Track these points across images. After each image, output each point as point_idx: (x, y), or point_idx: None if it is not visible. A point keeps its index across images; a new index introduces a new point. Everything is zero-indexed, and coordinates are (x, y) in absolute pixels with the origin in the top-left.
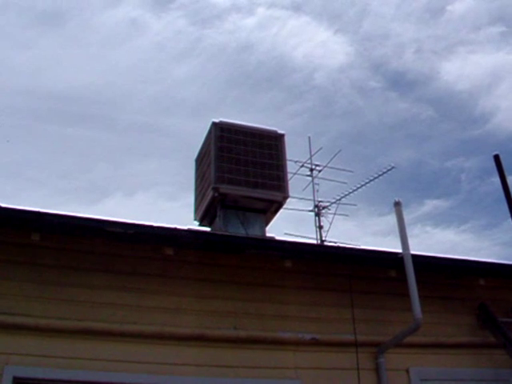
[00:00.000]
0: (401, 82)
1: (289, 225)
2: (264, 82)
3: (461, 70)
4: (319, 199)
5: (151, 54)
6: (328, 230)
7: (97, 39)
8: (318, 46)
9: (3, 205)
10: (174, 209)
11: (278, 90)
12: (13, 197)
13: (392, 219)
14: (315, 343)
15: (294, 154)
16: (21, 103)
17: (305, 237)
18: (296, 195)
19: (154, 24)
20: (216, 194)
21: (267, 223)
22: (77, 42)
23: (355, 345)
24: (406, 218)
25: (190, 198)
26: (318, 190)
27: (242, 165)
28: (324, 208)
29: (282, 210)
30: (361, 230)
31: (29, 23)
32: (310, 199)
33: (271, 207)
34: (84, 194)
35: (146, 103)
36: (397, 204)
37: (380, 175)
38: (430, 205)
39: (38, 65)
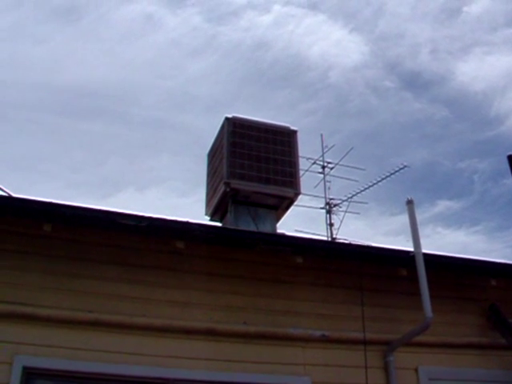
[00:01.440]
0: (416, 83)
1: (300, 222)
2: (279, 80)
3: (476, 71)
4: (330, 197)
5: (166, 50)
6: (339, 228)
7: (112, 34)
8: (333, 44)
9: (15, 195)
10: (186, 205)
11: (292, 87)
12: (26, 190)
13: (403, 219)
14: (325, 340)
15: (308, 151)
16: (35, 97)
17: (315, 234)
18: (308, 192)
19: (170, 20)
20: (227, 189)
21: (278, 219)
22: (92, 37)
23: (364, 343)
24: (418, 218)
25: (201, 194)
26: (329, 188)
27: (254, 160)
28: (335, 206)
29: (293, 207)
30: (372, 230)
31: (44, 18)
32: (321, 197)
33: (282, 203)
34: (96, 188)
35: (161, 99)
36: (409, 202)
37: (392, 174)
38: (442, 205)
39: (53, 59)
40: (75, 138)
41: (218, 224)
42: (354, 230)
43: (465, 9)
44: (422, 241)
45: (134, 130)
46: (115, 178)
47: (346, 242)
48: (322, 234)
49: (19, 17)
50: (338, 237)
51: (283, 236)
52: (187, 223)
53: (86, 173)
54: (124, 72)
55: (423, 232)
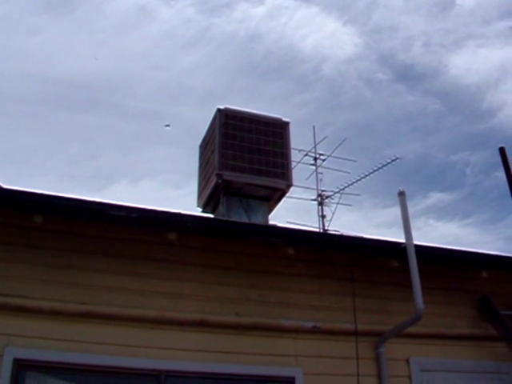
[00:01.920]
0: (409, 75)
1: (292, 214)
2: (272, 72)
3: (469, 63)
4: (322, 188)
5: (160, 42)
6: (331, 220)
7: (106, 26)
8: (326, 36)
9: (5, 186)
10: (180, 197)
11: (286, 80)
12: (21, 182)
13: (396, 211)
14: (316, 331)
15: (301, 143)
16: (29, 89)
17: (307, 226)
18: (300, 184)
19: (164, 12)
20: (219, 181)
21: (270, 211)
22: (86, 29)
23: (355, 334)
24: (410, 210)
25: (195, 186)
26: (321, 180)
27: (246, 152)
28: (327, 197)
29: (285, 199)
30: (365, 222)
31: (38, 9)
32: (313, 188)
33: (274, 195)
34: (90, 181)
35: (154, 91)
36: (401, 194)
37: (384, 165)
38: (435, 198)
39: (47, 51)
40: (70, 131)
41: (210, 215)
42: (347, 222)
43: (458, 2)
44: (414, 233)
45: (128, 122)
46: (109, 170)
47: (337, 233)
48: (314, 226)
49: (12, 8)
50: (330, 228)
51: (275, 227)
52: (179, 214)
53: (81, 165)
54: (118, 64)
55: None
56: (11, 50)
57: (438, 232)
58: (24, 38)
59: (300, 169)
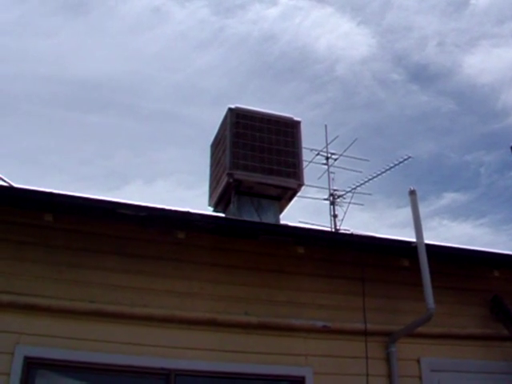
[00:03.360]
0: (423, 75)
1: (304, 213)
2: (286, 73)
3: (483, 63)
4: (334, 188)
5: (174, 43)
6: (342, 219)
7: (120, 27)
8: (340, 37)
9: (16, 185)
10: (193, 197)
11: (299, 80)
12: (34, 182)
13: (410, 211)
14: (326, 331)
15: (315, 143)
16: (43, 90)
17: (319, 225)
18: (312, 184)
19: (178, 13)
20: (231, 180)
21: (281, 210)
22: (100, 30)
23: (365, 333)
24: (424, 210)
25: (208, 186)
26: (333, 179)
27: (257, 151)
28: (339, 197)
29: (296, 198)
30: (378, 222)
31: (53, 11)
32: (325, 188)
33: (286, 194)
34: (104, 181)
35: (168, 92)
36: (412, 193)
37: (396, 165)
38: (449, 198)
39: (61, 52)
40: (83, 131)
41: (221, 215)
42: (360, 222)
43: (472, 1)
44: (428, 233)
45: (141, 123)
46: (123, 170)
47: (347, 232)
48: (326, 226)
49: (27, 10)
50: (342, 228)
51: (284, 226)
52: (188, 213)
53: (94, 166)
54: (132, 65)
55: (429, 224)
56: (25, 51)
57: (452, 232)
58: (38, 40)
59: (312, 168)
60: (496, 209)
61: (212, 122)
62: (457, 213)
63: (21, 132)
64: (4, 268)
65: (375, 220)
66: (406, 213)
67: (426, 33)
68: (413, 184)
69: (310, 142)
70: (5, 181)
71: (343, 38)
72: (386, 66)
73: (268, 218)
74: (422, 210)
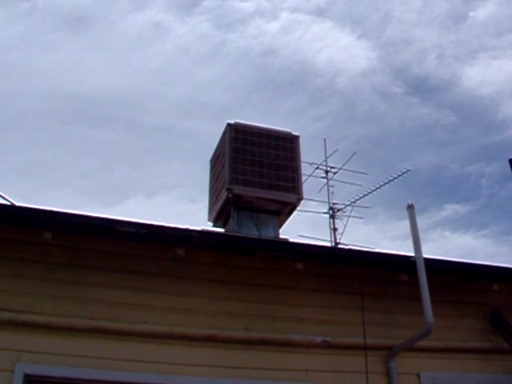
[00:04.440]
0: (423, 88)
1: (304, 227)
2: (287, 86)
3: (483, 75)
4: (334, 201)
5: (175, 58)
6: (342, 233)
7: (121, 43)
8: (340, 50)
9: (17, 203)
10: (194, 211)
11: (300, 94)
12: (36, 197)
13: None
14: (326, 346)
15: (315, 157)
16: (45, 105)
17: (319, 239)
18: (311, 197)
19: (178, 28)
20: (230, 195)
21: (281, 225)
22: (101, 46)
23: (365, 348)
24: (425, 222)
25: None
26: (333, 193)
27: (256, 166)
28: (339, 210)
29: (296, 212)
30: (380, 234)
31: (54, 27)
32: (325, 202)
33: (285, 209)
34: (105, 195)
35: (169, 106)
36: (410, 207)
37: (395, 178)
38: (450, 209)
39: (63, 68)
40: (84, 146)
41: (221, 230)
42: (361, 235)
43: (471, 14)
44: (430, 245)
45: (142, 138)
46: (124, 184)
47: (346, 247)
48: (326, 239)
49: (29, 26)
50: (342, 241)
51: (283, 242)
52: (187, 230)
53: (95, 180)
54: (133, 80)
55: (431, 236)
56: (27, 67)
57: (453, 244)
58: (40, 55)
59: (312, 182)
60: (497, 220)
61: (213, 135)
62: (458, 224)
63: (23, 146)
64: (3, 285)
65: (377, 233)
66: (408, 225)
67: (426, 45)
68: (414, 196)
69: (310, 155)
70: (5, 198)
71: (343, 52)
72: (386, 78)
73: (268, 233)
74: (423, 221)
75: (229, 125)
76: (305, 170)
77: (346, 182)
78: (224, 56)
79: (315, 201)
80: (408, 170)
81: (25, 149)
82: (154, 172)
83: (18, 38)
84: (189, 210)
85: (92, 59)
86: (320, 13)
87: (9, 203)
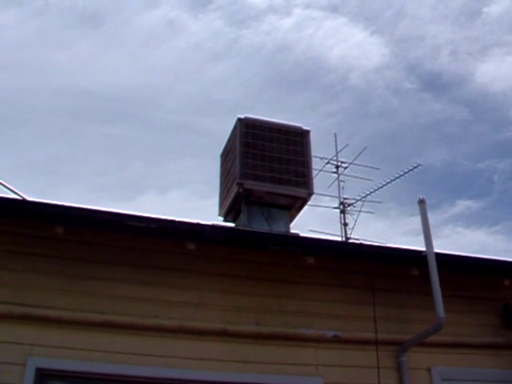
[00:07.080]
0: (436, 84)
1: (315, 222)
2: (300, 83)
3: (496, 71)
4: (345, 196)
5: (188, 55)
6: (353, 228)
7: (135, 40)
8: (353, 46)
9: (29, 198)
10: (207, 207)
11: (313, 90)
12: (50, 193)
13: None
14: (337, 340)
15: (328, 152)
16: (59, 102)
17: (330, 234)
18: (322, 192)
19: (192, 25)
20: (240, 190)
21: (292, 220)
22: (115, 43)
23: (376, 343)
24: (438, 218)
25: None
26: (343, 188)
27: (266, 161)
28: (349, 205)
29: (307, 207)
30: (392, 230)
31: (68, 24)
32: (335, 196)
33: (296, 204)
34: (118, 191)
35: (182, 103)
36: (421, 202)
37: (406, 173)
38: (462, 205)
39: (77, 64)
40: (98, 142)
41: (231, 224)
42: (373, 230)
43: (484, 10)
44: (442, 241)
45: (155, 134)
46: (137, 181)
47: (357, 241)
48: (336, 234)
49: (44, 23)
50: (352, 236)
51: (293, 236)
52: (197, 224)
53: (109, 176)
54: (146, 76)
55: (443, 232)
56: (42, 64)
57: (465, 240)
58: (53, 52)
59: (322, 177)
60: (510, 216)
61: (226, 132)
62: (470, 220)
63: (36, 143)
64: (15, 280)
65: (389, 228)
66: (419, 220)
67: (439, 42)
68: (426, 192)
69: (323, 151)
70: (17, 194)
71: (356, 48)
72: (399, 74)
73: (278, 228)
74: (436, 217)
75: (239, 119)
76: (315, 164)
77: (357, 177)
78: (237, 53)
79: (326, 195)
80: (419, 165)
81: (39, 145)
82: (167, 168)
83: (31, 35)
84: (201, 206)
85: (106, 56)
86: (333, 9)
87: (21, 198)
